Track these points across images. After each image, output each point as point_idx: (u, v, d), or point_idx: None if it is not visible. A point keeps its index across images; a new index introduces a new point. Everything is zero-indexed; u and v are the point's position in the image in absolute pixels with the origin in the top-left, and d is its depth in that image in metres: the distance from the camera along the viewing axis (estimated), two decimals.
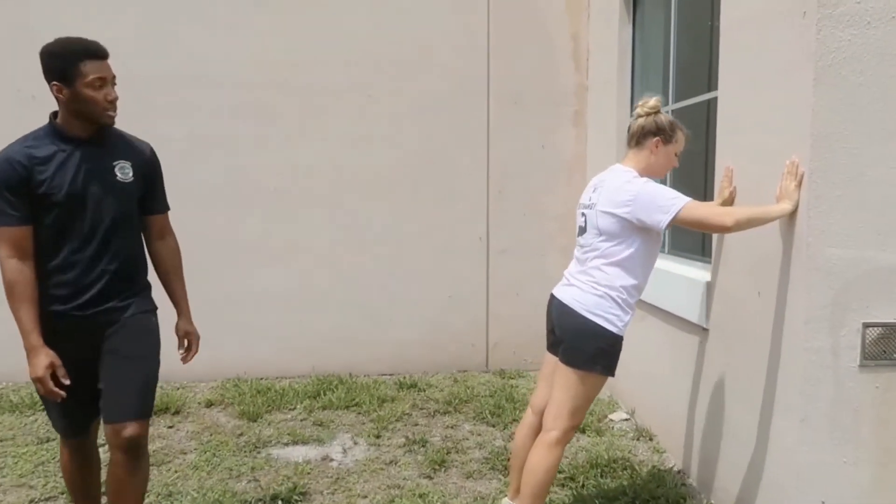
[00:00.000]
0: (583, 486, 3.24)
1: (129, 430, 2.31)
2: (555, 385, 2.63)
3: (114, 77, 2.31)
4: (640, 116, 2.68)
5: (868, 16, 2.30)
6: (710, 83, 3.39)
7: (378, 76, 4.93)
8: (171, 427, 4.01)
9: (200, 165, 4.78)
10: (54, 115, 2.33)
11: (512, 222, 5.19)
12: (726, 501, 2.97)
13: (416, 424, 4.09)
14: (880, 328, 2.39)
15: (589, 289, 2.56)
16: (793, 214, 2.43)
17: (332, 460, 3.58)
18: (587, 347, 2.54)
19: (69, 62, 2.21)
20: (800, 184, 2.40)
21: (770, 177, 2.59)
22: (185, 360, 2.65)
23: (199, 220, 4.75)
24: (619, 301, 2.54)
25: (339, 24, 4.86)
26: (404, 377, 4.95)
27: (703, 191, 3.45)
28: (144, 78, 4.62)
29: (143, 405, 2.39)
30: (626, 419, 4.16)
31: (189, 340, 2.65)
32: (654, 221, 2.46)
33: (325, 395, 4.50)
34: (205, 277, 4.79)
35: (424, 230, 5.08)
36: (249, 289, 4.92)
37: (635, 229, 2.52)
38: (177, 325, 2.64)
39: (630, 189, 2.51)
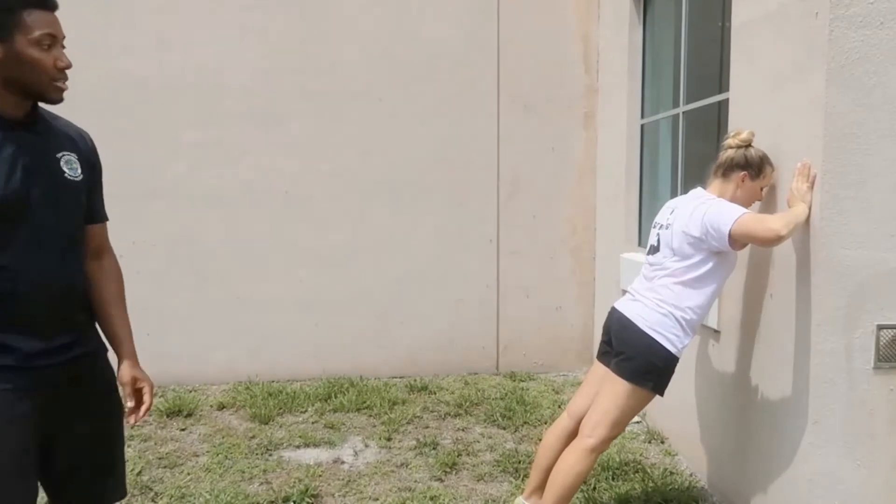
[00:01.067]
0: (594, 488, 3.23)
1: None
2: (601, 393, 2.63)
3: (63, 38, 1.69)
4: (729, 147, 2.63)
5: (881, 16, 2.29)
6: (722, 85, 3.37)
7: (388, 81, 4.94)
8: (183, 430, 4.03)
9: (212, 170, 4.81)
10: None
11: (522, 225, 5.18)
12: None
13: (427, 427, 4.09)
14: (895, 330, 2.38)
15: (654, 306, 2.56)
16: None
17: (343, 463, 3.59)
18: (642, 362, 2.54)
19: (7, 9, 1.59)
20: (812, 185, 2.39)
21: (782, 178, 2.58)
22: (135, 418, 1.87)
23: (210, 223, 4.82)
24: (682, 322, 2.54)
25: (350, 30, 4.87)
26: (415, 380, 4.95)
27: None
28: (160, 84, 4.68)
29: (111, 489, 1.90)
30: (638, 422, 4.15)
31: (141, 389, 1.89)
32: (721, 236, 2.43)
33: (336, 397, 4.51)
34: (216, 281, 4.86)
35: (434, 232, 5.09)
36: (261, 292, 4.93)
37: (709, 252, 2.51)
38: (119, 372, 1.90)
39: (702, 208, 2.52)
